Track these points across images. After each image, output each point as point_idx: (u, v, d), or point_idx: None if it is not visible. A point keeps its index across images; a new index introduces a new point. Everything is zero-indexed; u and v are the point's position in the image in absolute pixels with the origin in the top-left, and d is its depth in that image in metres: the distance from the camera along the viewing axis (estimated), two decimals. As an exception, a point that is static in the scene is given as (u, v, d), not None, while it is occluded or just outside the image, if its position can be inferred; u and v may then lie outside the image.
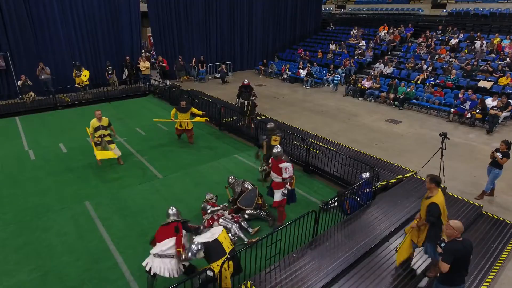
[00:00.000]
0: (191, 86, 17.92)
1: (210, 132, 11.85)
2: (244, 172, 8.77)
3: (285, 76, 19.97)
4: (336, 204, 6.88)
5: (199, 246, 4.50)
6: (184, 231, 4.77)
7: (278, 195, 6.37)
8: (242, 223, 6.43)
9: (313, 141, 9.11)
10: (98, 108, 9.29)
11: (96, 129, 8.78)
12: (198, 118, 10.73)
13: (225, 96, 15.57)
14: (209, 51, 21.33)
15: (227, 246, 4.71)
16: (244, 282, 4.85)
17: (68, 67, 16.16)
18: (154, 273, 4.60)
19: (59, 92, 15.17)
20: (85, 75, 15.78)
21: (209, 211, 6.42)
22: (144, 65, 17.00)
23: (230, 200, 7.07)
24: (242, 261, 4.92)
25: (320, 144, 8.94)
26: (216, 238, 4.65)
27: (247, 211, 6.68)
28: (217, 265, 4.50)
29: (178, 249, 4.60)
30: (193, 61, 19.54)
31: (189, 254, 4.47)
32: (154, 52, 23.03)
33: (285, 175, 6.21)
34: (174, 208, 5.06)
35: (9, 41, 14.84)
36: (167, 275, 4.57)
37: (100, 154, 8.69)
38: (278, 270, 5.11)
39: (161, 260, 4.60)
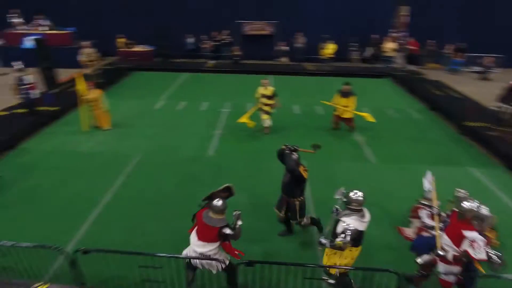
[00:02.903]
0: (438, 76, 15.62)
1: (444, 130, 10.07)
2: (475, 193, 6.89)
3: None
4: None
5: (352, 232, 3.90)
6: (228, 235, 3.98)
7: (443, 269, 4.08)
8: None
9: None
10: (347, 82, 9.23)
11: (262, 97, 9.02)
12: (364, 114, 9.35)
13: (479, 95, 12.62)
14: (474, 36, 17.45)
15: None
16: None
17: (318, 38, 17.48)
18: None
19: (306, 60, 16.86)
20: (331, 48, 16.71)
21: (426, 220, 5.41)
22: (389, 46, 16.14)
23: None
24: None
25: None
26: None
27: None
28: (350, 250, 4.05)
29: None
30: (449, 48, 16.76)
31: (344, 241, 3.88)
32: (404, 33, 21.40)
33: (471, 252, 3.72)
34: (220, 201, 3.96)
35: (282, 10, 17.52)
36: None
37: (243, 120, 9.15)
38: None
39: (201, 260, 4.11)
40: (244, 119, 9.19)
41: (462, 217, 3.89)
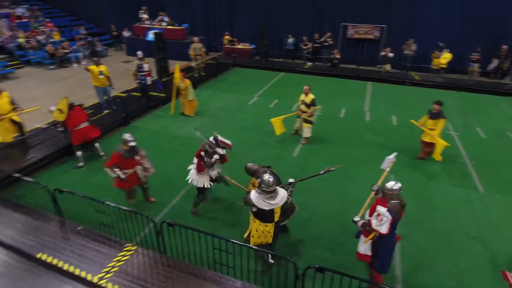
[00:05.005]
0: None
1: None
2: None
3: None
4: None
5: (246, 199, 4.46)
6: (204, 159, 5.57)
7: (363, 246, 4.52)
8: None
9: None
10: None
11: (301, 103, 8.54)
12: (442, 142, 7.51)
13: None
14: None
15: (277, 216, 4.58)
16: None
17: (430, 46, 15.74)
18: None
19: (413, 69, 15.41)
20: (445, 58, 14.88)
21: None
22: (523, 59, 13.66)
23: None
24: None
25: None
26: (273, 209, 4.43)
27: None
28: (265, 226, 4.51)
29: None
30: None
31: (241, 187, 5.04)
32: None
33: (373, 222, 4.12)
34: (213, 141, 5.64)
35: (392, 14, 16.33)
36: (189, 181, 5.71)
37: (276, 123, 8.70)
38: None
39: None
40: (276, 120, 8.72)
41: (383, 196, 4.22)
